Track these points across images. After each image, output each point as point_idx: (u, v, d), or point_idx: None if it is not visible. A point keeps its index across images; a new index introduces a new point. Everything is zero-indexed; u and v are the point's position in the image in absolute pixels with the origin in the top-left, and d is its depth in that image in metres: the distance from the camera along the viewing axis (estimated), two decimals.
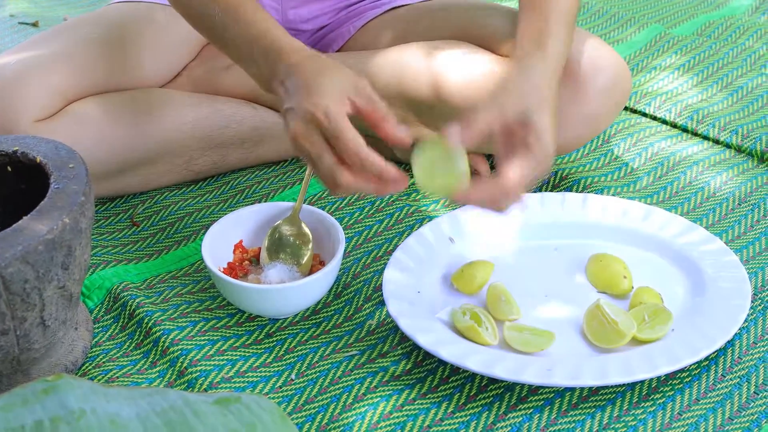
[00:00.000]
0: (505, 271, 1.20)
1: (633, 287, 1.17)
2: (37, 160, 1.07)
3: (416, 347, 1.12)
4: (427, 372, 1.10)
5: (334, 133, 1.03)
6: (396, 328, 1.15)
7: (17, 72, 1.31)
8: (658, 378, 1.07)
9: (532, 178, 1.07)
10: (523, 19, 1.19)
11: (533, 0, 1.19)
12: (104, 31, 1.41)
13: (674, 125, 1.56)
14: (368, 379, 1.09)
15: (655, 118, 1.59)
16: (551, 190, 1.40)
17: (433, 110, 1.34)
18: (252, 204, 1.40)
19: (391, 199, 1.38)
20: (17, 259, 0.93)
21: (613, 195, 1.37)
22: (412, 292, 1.15)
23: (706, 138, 1.52)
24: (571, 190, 1.39)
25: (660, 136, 1.53)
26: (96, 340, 1.18)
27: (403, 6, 1.48)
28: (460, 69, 1.31)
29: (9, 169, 1.11)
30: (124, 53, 1.40)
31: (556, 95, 1.13)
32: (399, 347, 1.13)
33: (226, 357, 1.13)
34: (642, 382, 1.07)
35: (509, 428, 1.03)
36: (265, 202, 1.40)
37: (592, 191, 1.38)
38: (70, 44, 1.37)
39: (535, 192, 1.39)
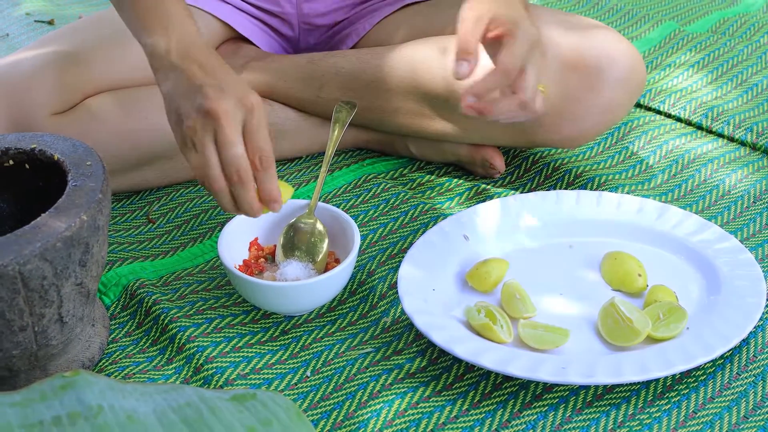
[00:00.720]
0: (520, 268, 1.21)
1: (648, 285, 1.17)
2: (55, 157, 1.08)
3: (431, 344, 1.13)
4: (442, 369, 1.10)
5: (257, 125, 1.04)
6: (411, 326, 1.16)
7: (34, 68, 1.32)
8: (673, 376, 1.07)
9: (523, 50, 1.08)
10: None
11: None
12: (119, 27, 1.41)
13: (689, 123, 1.56)
14: (383, 377, 1.10)
15: (669, 116, 1.59)
16: (566, 188, 1.40)
17: (447, 103, 1.35)
18: None
19: (406, 197, 1.38)
20: (36, 256, 0.94)
21: (627, 193, 1.37)
22: (427, 289, 1.15)
23: (720, 136, 1.52)
24: (585, 188, 1.39)
25: (674, 134, 1.53)
26: (112, 336, 1.18)
27: (417, 2, 1.48)
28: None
29: (27, 166, 1.11)
30: (139, 49, 1.40)
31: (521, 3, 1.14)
32: (414, 344, 1.14)
33: (241, 354, 1.14)
34: (657, 380, 1.07)
35: (524, 426, 1.03)
36: None
37: (606, 189, 1.38)
38: (85, 41, 1.38)
39: (549, 190, 1.40)
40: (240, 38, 1.53)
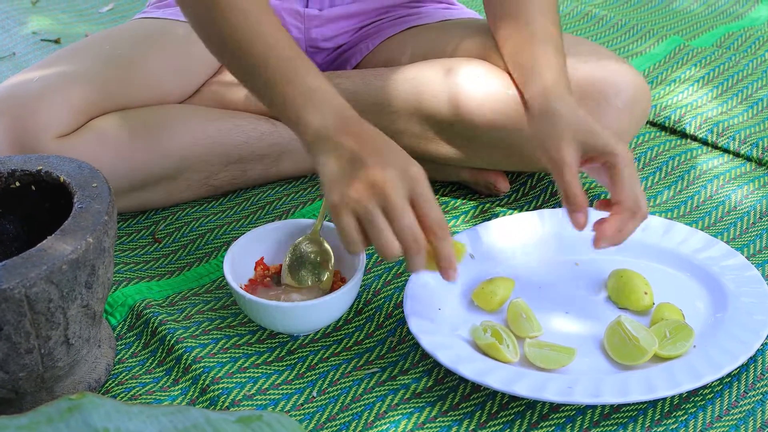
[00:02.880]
0: (526, 287, 1.21)
1: (654, 303, 1.17)
2: (61, 179, 1.08)
3: (437, 364, 1.13)
4: (448, 389, 1.10)
5: (424, 198, 1.03)
6: (417, 345, 1.16)
7: (39, 89, 1.32)
8: (680, 395, 1.07)
9: (633, 177, 1.11)
10: (511, 39, 1.26)
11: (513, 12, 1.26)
12: (125, 47, 1.43)
13: (694, 138, 1.56)
14: (389, 397, 1.09)
15: (674, 132, 1.59)
16: None
17: (452, 128, 1.34)
18: (273, 220, 1.40)
19: None
20: (42, 278, 0.94)
21: None
22: (433, 309, 1.15)
23: (726, 151, 1.52)
24: (591, 205, 1.38)
25: (680, 149, 1.53)
26: (119, 357, 1.18)
27: (422, 25, 1.48)
28: (479, 87, 1.31)
29: (33, 188, 1.12)
30: (144, 69, 1.41)
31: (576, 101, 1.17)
32: (420, 364, 1.14)
33: (247, 374, 1.13)
34: (664, 399, 1.07)
35: None
36: (286, 218, 1.40)
37: None
38: (90, 61, 1.38)
39: (554, 207, 1.40)
40: None
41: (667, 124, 1.60)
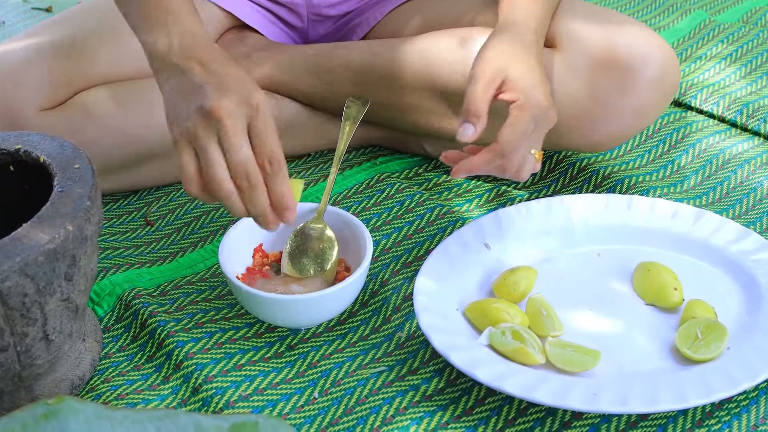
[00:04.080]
0: (545, 280, 1.11)
1: (684, 300, 1.08)
2: (41, 159, 0.99)
3: (449, 363, 1.04)
4: (462, 392, 1.01)
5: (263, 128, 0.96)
6: (427, 342, 1.07)
7: (22, 59, 1.23)
8: (713, 402, 0.98)
9: (527, 130, 1.05)
10: None
11: None
12: (116, 16, 1.33)
13: (722, 119, 1.47)
14: (397, 399, 1.01)
15: (701, 112, 1.49)
16: (593, 190, 1.31)
17: None
18: None
19: (422, 199, 1.29)
20: (15, 271, 0.86)
21: (659, 196, 1.28)
22: (446, 304, 1.06)
23: (756, 134, 1.42)
24: (614, 191, 1.30)
25: (707, 131, 1.44)
26: (105, 351, 1.10)
27: None
28: None
29: (11, 168, 1.03)
30: (137, 40, 1.32)
31: (536, 54, 1.10)
32: (431, 363, 1.05)
33: (244, 372, 1.05)
34: (695, 407, 0.98)
35: None
36: None
37: (636, 192, 1.29)
38: (79, 29, 1.29)
39: (575, 192, 1.31)
40: (245, 27, 1.44)
41: (693, 104, 1.50)
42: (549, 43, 1.23)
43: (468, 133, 1.04)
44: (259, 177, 0.96)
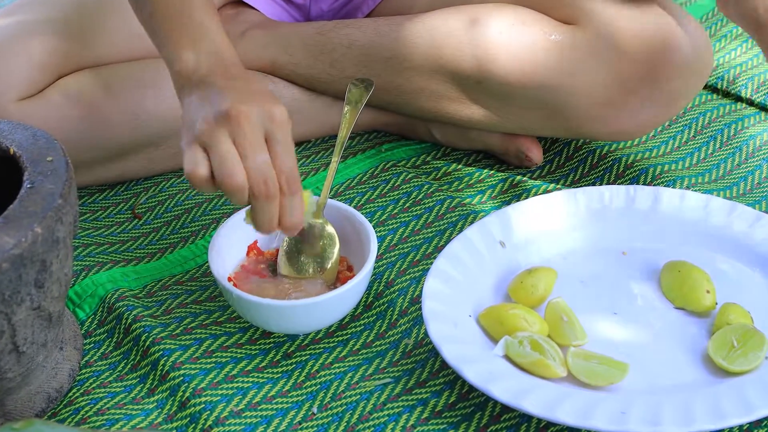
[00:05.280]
0: (565, 282, 1.02)
1: (717, 303, 0.99)
2: (11, 151, 0.90)
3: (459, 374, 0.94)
4: (475, 407, 0.92)
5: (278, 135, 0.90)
6: (436, 350, 0.97)
7: (2, 41, 1.13)
8: (752, 420, 0.89)
9: None
10: None
11: None
12: None
13: (750, 103, 1.37)
14: (404, 416, 0.92)
15: (728, 95, 1.39)
16: (614, 180, 1.22)
17: (480, 85, 1.17)
18: None
19: (430, 190, 1.20)
20: None
21: (687, 187, 1.18)
22: (457, 310, 0.97)
23: None
24: (638, 181, 1.21)
25: (735, 116, 1.34)
26: (86, 359, 1.01)
27: None
28: (513, 37, 1.13)
29: None
30: (123, 19, 1.22)
31: None
32: (441, 374, 0.96)
33: (236, 384, 0.96)
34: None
35: None
36: None
37: (662, 182, 1.19)
38: (59, 7, 1.20)
39: (595, 182, 1.21)
40: (241, 3, 1.35)
41: (719, 86, 1.40)
42: (570, 20, 1.14)
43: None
44: (276, 186, 0.89)
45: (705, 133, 1.31)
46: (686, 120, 1.33)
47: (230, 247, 1.05)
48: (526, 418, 0.91)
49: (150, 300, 1.06)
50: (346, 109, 1.11)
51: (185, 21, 0.96)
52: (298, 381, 0.97)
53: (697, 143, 1.29)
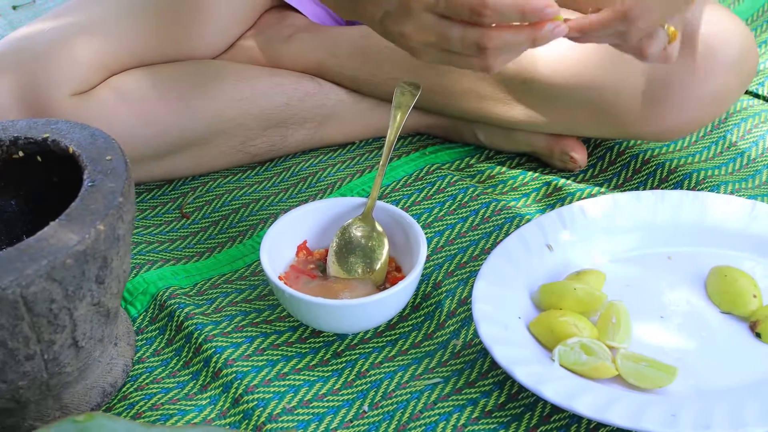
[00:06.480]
0: (612, 285, 1.03)
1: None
2: (70, 149, 0.91)
3: (510, 375, 0.95)
4: (524, 407, 0.93)
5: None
6: (485, 351, 0.99)
7: (52, 41, 1.15)
8: None
9: None
10: None
11: None
12: None
13: None
14: (455, 415, 0.93)
15: None
16: (658, 185, 1.22)
17: (526, 86, 1.18)
18: (316, 194, 1.23)
19: (475, 193, 1.20)
20: (41, 276, 0.78)
21: (730, 192, 1.19)
22: (506, 312, 0.97)
23: None
24: (681, 186, 1.21)
25: None
26: (138, 355, 1.02)
27: None
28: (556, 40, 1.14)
29: (39, 158, 0.95)
30: (173, 20, 1.24)
31: None
32: (490, 374, 0.97)
33: (287, 382, 0.97)
34: None
35: None
36: (331, 191, 1.23)
37: (705, 187, 1.20)
38: (114, 9, 1.21)
39: (638, 186, 1.22)
40: (285, 6, 1.36)
41: (760, 92, 1.40)
42: None
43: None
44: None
45: (747, 139, 1.31)
46: (728, 125, 1.34)
47: (280, 247, 1.06)
48: (576, 419, 0.92)
49: (200, 298, 1.08)
50: (394, 112, 1.12)
51: None
52: (349, 379, 0.98)
53: (739, 149, 1.29)
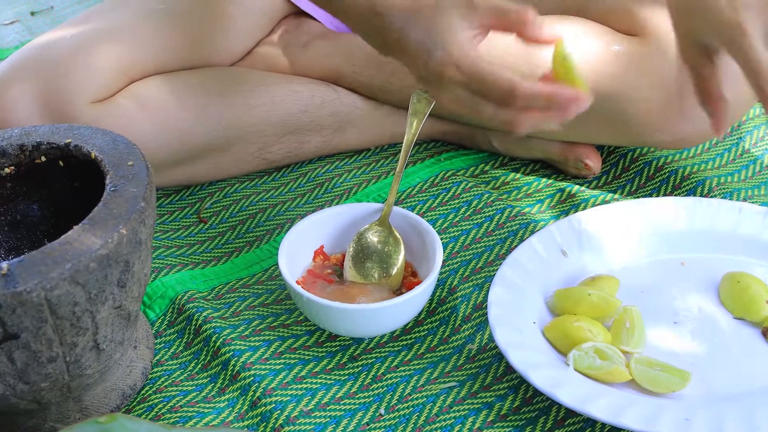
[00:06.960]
0: (626, 290, 1.04)
1: None
2: (92, 155, 0.93)
3: (525, 380, 0.96)
4: (539, 411, 0.94)
5: (476, 81, 0.90)
6: (500, 355, 1.00)
7: (73, 48, 1.17)
8: None
9: None
10: None
11: None
12: (171, 1, 1.27)
13: None
14: (470, 419, 0.94)
15: None
16: (671, 191, 1.23)
17: None
18: (332, 199, 1.25)
19: (490, 199, 1.22)
20: (65, 279, 0.79)
21: (743, 199, 1.20)
22: (521, 317, 0.99)
23: None
24: (695, 193, 1.22)
25: None
26: (157, 358, 1.04)
27: None
28: (576, 50, 1.14)
29: (61, 164, 0.97)
30: (192, 27, 1.26)
31: None
32: (505, 379, 0.98)
33: (304, 385, 0.98)
34: None
35: None
36: (348, 197, 1.24)
37: (718, 194, 1.21)
38: (133, 16, 1.23)
39: (652, 192, 1.23)
40: (302, 14, 1.38)
41: None
42: (631, 32, 1.16)
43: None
44: None
45: (760, 146, 1.32)
46: (741, 133, 1.35)
47: (298, 251, 1.07)
48: (590, 422, 0.93)
49: (219, 302, 1.09)
50: (411, 119, 1.13)
51: None
52: (365, 383, 0.99)
53: (752, 156, 1.30)
